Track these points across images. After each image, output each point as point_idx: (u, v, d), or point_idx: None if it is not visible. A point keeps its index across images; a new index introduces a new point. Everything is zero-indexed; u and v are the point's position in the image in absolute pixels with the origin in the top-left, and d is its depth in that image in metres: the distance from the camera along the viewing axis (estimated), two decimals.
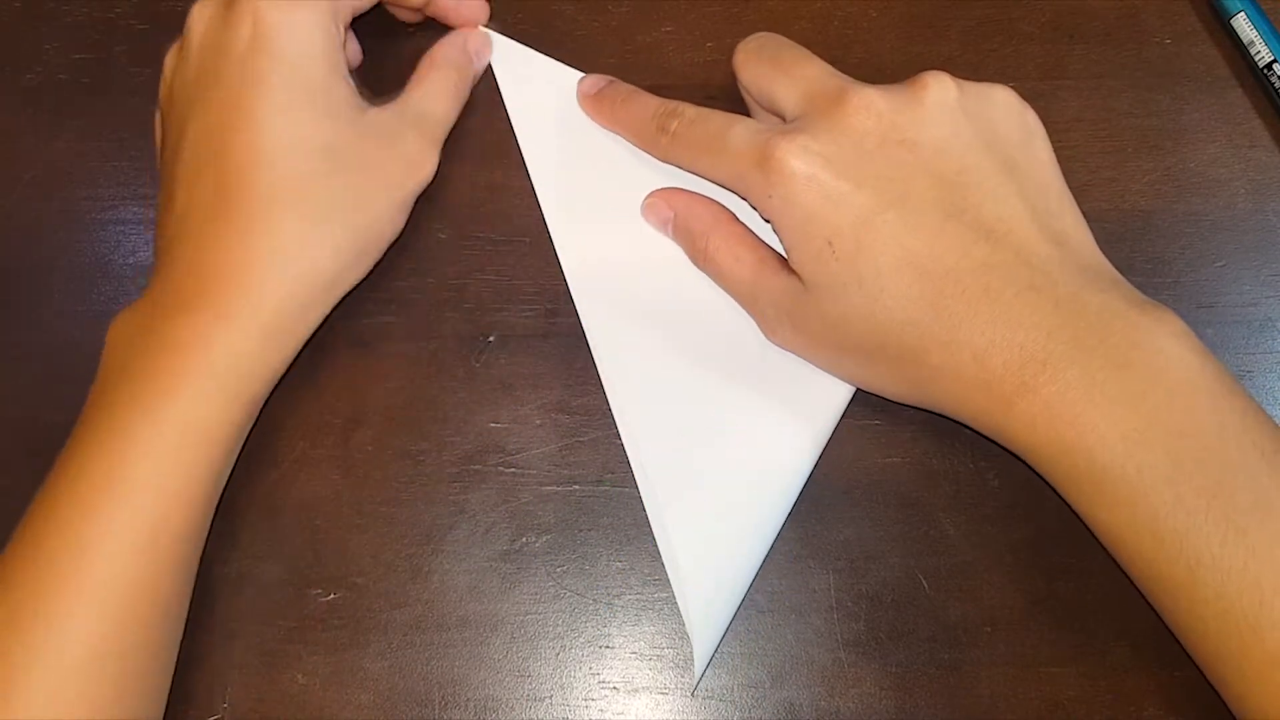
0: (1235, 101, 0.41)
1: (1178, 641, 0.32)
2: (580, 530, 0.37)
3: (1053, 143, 0.35)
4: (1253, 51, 0.41)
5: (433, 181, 0.38)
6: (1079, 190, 0.35)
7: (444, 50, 0.39)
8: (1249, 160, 0.40)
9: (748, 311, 0.37)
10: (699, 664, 0.35)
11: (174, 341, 0.33)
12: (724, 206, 0.37)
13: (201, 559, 0.34)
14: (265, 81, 0.34)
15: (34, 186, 0.40)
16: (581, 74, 0.40)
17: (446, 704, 0.35)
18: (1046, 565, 0.36)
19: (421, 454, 0.37)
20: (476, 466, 0.37)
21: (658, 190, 0.38)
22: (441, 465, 0.37)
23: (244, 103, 0.34)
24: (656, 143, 0.37)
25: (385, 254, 0.37)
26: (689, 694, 0.35)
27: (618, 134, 0.39)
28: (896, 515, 0.37)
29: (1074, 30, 0.42)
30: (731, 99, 0.39)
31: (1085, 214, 0.35)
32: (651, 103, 0.38)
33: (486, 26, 0.41)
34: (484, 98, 0.40)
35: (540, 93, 0.40)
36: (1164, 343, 0.31)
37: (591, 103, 0.39)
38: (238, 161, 0.34)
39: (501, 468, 0.37)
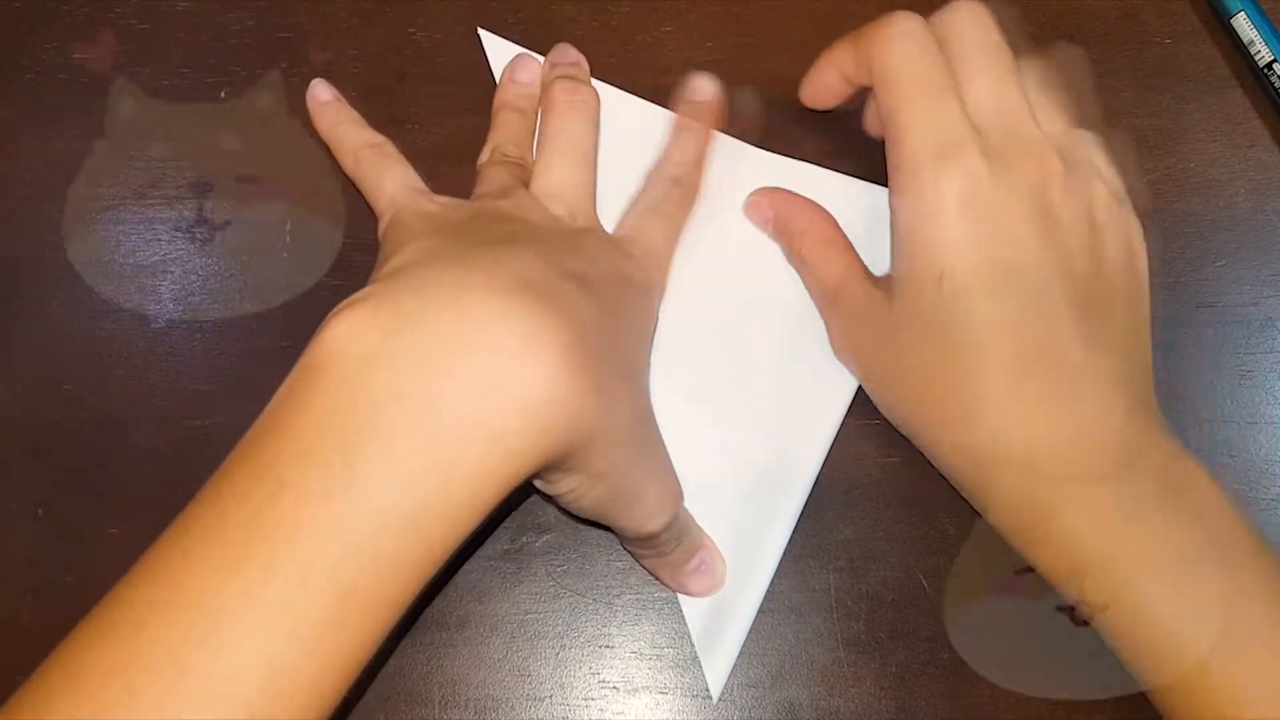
0: (1235, 101, 0.41)
1: None
2: (580, 530, 0.37)
3: None
4: (1253, 51, 0.40)
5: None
6: None
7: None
8: (1249, 160, 0.40)
9: (824, 316, 0.37)
10: (709, 675, 0.35)
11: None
12: (824, 209, 0.38)
13: None
14: None
15: (34, 186, 0.40)
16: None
17: (446, 704, 0.35)
18: None
19: None
20: None
21: (760, 190, 0.38)
22: None
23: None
24: None
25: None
26: (690, 694, 0.35)
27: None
28: (896, 515, 0.37)
29: (1074, 30, 0.42)
30: (732, 99, 0.39)
31: None
32: None
33: (485, 29, 0.41)
34: (485, 101, 0.40)
35: None
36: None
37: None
38: None
39: None
